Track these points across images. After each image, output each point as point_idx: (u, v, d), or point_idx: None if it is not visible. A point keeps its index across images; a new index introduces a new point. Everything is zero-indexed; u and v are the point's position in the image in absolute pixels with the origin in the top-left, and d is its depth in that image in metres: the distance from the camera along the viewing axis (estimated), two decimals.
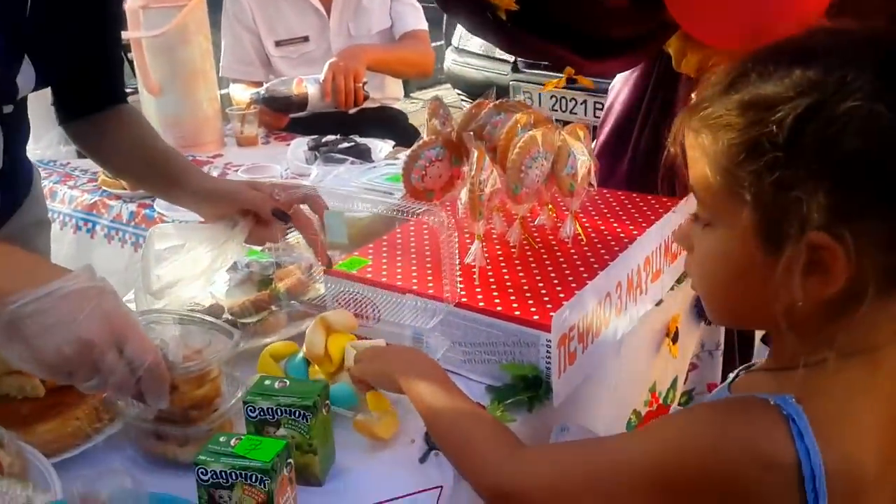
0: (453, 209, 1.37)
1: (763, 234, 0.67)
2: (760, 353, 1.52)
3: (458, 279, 1.11)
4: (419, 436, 0.94)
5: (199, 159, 2.09)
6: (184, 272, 1.12)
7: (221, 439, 0.81)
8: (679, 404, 1.48)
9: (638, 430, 0.89)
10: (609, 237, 1.24)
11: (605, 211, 1.34)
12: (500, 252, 1.21)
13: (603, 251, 1.20)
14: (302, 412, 0.86)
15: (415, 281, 1.12)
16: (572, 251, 1.20)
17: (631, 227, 1.27)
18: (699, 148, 0.71)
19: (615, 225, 1.29)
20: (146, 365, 0.78)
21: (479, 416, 0.88)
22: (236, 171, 1.99)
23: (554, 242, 1.23)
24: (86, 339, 0.75)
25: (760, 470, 0.67)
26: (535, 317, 1.01)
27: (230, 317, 1.17)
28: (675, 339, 1.35)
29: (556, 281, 1.11)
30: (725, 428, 0.70)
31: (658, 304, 1.28)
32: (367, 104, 2.36)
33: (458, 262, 1.15)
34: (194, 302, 1.18)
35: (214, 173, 1.99)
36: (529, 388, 1.01)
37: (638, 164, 1.63)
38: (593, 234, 1.25)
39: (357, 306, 1.14)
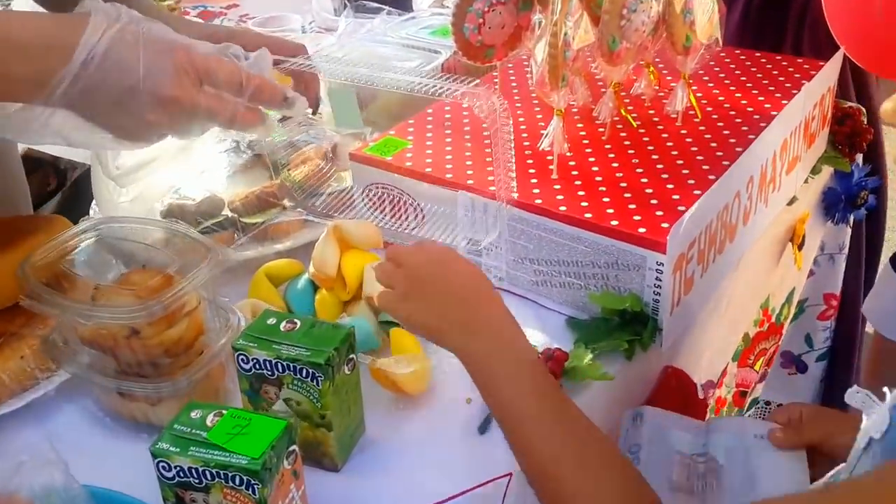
0: (519, 73, 1.05)
1: None
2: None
3: (530, 174, 0.81)
4: (477, 394, 0.68)
5: (210, 10, 1.82)
6: (151, 151, 0.83)
7: (193, 414, 0.56)
8: (792, 319, 1.20)
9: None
10: (733, 113, 0.92)
11: (723, 76, 1.01)
12: (583, 133, 0.90)
13: (727, 132, 0.88)
14: (311, 371, 0.60)
15: (470, 172, 0.83)
16: (684, 132, 0.89)
17: (761, 99, 0.94)
18: None
19: (738, 95, 0.96)
20: (245, 84, 0.64)
21: (602, 450, 0.57)
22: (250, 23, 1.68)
23: (657, 119, 0.92)
24: (165, 97, 0.61)
25: None
26: (641, 229, 0.72)
27: (231, 214, 0.90)
28: (800, 246, 1.05)
29: (665, 176, 0.80)
30: None
31: (791, 202, 0.97)
32: None
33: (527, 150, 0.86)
34: (182, 195, 0.91)
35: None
36: (628, 326, 0.73)
37: (753, 11, 1.26)
38: (710, 109, 0.93)
39: (393, 205, 0.86)
